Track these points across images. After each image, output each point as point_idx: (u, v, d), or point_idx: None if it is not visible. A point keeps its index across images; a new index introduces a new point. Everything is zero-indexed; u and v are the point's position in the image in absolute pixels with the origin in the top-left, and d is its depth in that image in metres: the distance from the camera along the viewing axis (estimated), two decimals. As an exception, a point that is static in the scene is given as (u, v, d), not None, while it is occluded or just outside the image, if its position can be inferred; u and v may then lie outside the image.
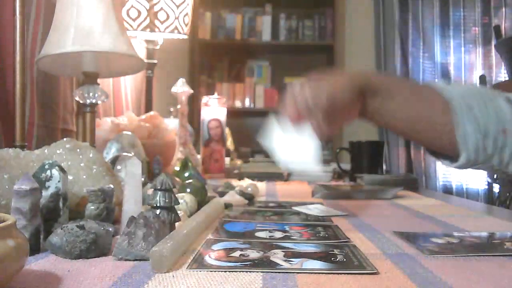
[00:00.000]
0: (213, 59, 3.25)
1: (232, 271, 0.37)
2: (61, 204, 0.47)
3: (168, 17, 1.44)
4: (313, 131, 0.58)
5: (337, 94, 0.60)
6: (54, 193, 0.47)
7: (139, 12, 1.40)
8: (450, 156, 0.64)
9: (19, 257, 0.31)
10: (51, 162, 0.48)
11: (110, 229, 0.45)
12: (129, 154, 0.78)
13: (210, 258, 0.41)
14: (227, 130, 1.44)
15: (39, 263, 0.39)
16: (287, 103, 0.60)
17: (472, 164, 0.61)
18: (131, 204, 0.50)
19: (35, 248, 0.42)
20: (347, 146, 1.38)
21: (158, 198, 0.48)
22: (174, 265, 0.39)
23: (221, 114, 1.10)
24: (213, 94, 1.28)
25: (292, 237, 0.50)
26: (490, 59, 3.01)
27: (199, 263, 0.39)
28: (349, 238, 0.50)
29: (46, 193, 0.47)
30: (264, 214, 0.67)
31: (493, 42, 2.83)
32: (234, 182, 1.05)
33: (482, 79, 2.03)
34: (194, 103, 2.80)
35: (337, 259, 0.41)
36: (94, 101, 0.87)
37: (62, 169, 0.48)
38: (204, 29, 3.11)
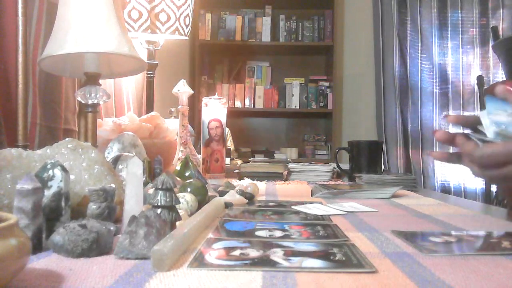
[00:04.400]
0: (213, 60, 3.26)
1: (233, 270, 0.37)
2: (63, 204, 0.48)
3: (169, 18, 1.44)
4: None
5: None
6: (56, 192, 0.47)
7: (140, 14, 1.40)
8: None
9: (21, 256, 0.32)
10: (53, 162, 0.49)
11: (112, 228, 0.45)
12: (131, 154, 0.78)
13: (211, 257, 0.41)
14: (227, 130, 1.44)
15: (41, 262, 0.40)
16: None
17: None
18: (133, 204, 0.50)
19: (37, 247, 0.42)
20: (346, 146, 1.38)
21: (159, 197, 0.49)
22: (175, 264, 0.39)
23: (222, 114, 1.10)
24: (213, 94, 1.29)
25: (291, 236, 0.50)
26: (488, 60, 3.02)
27: (199, 262, 0.39)
28: (348, 237, 0.50)
29: (48, 193, 0.47)
30: (264, 214, 0.67)
31: (491, 43, 2.83)
32: (234, 181, 1.05)
33: (480, 79, 2.03)
34: (194, 104, 2.81)
35: (336, 258, 0.41)
36: (95, 101, 0.87)
37: (64, 169, 0.48)
38: (205, 30, 3.11)
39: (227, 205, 0.72)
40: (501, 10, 3.01)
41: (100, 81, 0.89)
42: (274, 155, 3.06)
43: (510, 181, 0.58)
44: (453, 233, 0.54)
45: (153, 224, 0.43)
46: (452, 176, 3.03)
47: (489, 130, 0.58)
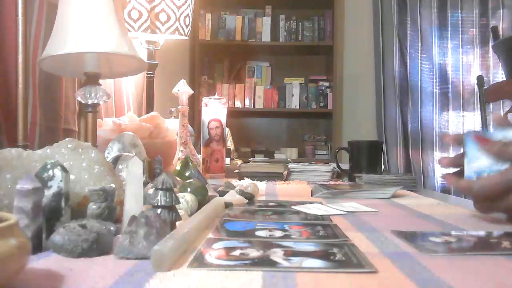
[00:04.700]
0: (213, 60, 3.26)
1: (233, 270, 0.37)
2: (63, 204, 0.47)
3: (169, 18, 1.44)
4: None
5: None
6: (56, 192, 0.47)
7: (140, 14, 1.40)
8: None
9: (21, 256, 0.32)
10: (53, 162, 0.49)
11: (112, 228, 0.45)
12: (131, 154, 0.78)
13: (211, 257, 0.41)
14: (227, 130, 1.44)
15: (41, 262, 0.40)
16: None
17: None
18: (133, 204, 0.50)
19: (37, 247, 0.42)
20: (346, 146, 1.38)
21: (159, 197, 0.49)
22: (175, 264, 0.39)
23: (221, 114, 1.10)
24: (213, 94, 1.29)
25: (291, 236, 0.50)
26: (488, 60, 3.02)
27: (199, 262, 0.39)
28: (348, 237, 0.50)
29: (48, 193, 0.47)
30: (264, 213, 0.67)
31: (491, 43, 2.84)
32: (234, 181, 1.05)
33: (480, 79, 2.03)
34: (194, 104, 2.81)
35: (336, 258, 0.41)
36: (95, 101, 0.88)
37: (64, 169, 0.48)
38: (205, 30, 3.11)
39: (227, 205, 0.72)
40: (501, 10, 3.01)
41: (100, 81, 0.89)
42: (274, 155, 3.06)
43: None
44: (453, 233, 0.54)
45: (153, 224, 0.43)
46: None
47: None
